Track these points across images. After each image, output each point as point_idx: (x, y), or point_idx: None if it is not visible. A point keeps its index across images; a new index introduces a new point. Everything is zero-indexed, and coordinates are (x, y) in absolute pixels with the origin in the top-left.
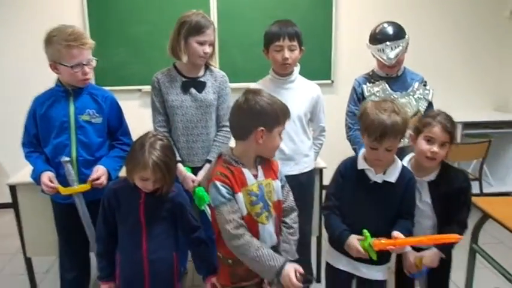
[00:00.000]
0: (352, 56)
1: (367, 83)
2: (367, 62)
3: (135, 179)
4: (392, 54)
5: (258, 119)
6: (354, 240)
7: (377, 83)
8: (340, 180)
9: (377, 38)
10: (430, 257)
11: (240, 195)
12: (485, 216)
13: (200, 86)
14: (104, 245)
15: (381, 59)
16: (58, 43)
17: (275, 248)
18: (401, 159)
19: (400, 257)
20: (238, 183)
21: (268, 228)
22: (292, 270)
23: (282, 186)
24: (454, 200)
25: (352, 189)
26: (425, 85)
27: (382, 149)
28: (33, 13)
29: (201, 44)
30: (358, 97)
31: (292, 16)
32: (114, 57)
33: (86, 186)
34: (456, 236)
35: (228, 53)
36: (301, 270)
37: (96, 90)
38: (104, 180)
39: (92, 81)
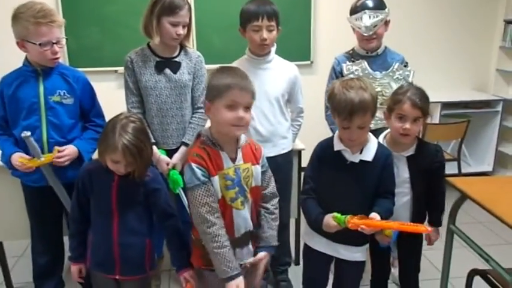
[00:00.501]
0: (332, 36)
1: (347, 62)
2: (347, 42)
3: (106, 161)
4: (369, 22)
5: (207, 93)
6: (329, 218)
7: (357, 62)
8: (316, 162)
9: (356, 8)
10: None
11: (215, 179)
12: (463, 197)
13: (175, 67)
14: (76, 225)
15: (357, 29)
16: (26, 20)
17: (251, 233)
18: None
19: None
20: (215, 166)
21: (243, 213)
22: (241, 284)
23: (263, 172)
24: (434, 175)
25: (330, 171)
26: (406, 65)
27: (354, 127)
28: None
29: (174, 25)
30: (337, 76)
31: None
32: (88, 38)
33: (51, 156)
34: (425, 228)
35: (204, 34)
36: None
37: (67, 70)
38: (65, 159)
39: (66, 62)
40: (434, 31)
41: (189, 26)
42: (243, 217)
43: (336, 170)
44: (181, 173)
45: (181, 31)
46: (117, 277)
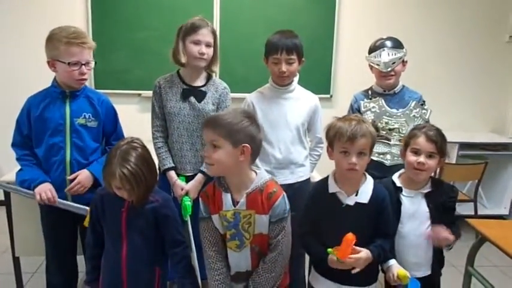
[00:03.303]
0: (352, 71)
1: (365, 99)
2: (367, 77)
3: (112, 186)
4: (387, 58)
5: None
6: (332, 256)
7: (374, 99)
8: (311, 206)
9: (375, 47)
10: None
11: (216, 217)
12: (482, 239)
13: (200, 96)
14: (90, 249)
15: (376, 66)
16: (58, 40)
17: (249, 273)
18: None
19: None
20: (215, 206)
21: (236, 255)
22: None
23: (273, 222)
24: (449, 210)
25: (325, 214)
26: (423, 104)
27: (354, 151)
28: (38, 16)
29: (196, 43)
30: (354, 113)
31: (294, 28)
32: (115, 62)
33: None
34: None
35: (228, 62)
36: None
37: (92, 94)
38: (78, 187)
39: (92, 85)
40: (453, 72)
41: (215, 50)
42: (237, 259)
43: (331, 213)
44: (195, 201)
45: (204, 50)
46: None
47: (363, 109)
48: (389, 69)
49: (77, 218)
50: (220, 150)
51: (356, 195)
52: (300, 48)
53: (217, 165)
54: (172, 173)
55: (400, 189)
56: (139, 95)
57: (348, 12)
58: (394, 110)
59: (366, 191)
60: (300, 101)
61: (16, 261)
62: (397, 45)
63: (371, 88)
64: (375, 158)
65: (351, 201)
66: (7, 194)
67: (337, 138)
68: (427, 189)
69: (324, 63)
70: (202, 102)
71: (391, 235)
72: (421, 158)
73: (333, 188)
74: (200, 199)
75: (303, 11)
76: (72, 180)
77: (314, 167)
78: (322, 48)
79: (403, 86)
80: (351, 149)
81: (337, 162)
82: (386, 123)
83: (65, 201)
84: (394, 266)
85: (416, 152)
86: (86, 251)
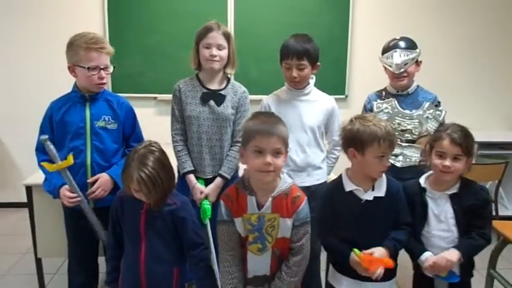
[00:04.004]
0: (367, 71)
1: (378, 100)
2: (382, 77)
3: (130, 189)
4: (399, 60)
5: (242, 139)
6: (354, 256)
7: (387, 100)
8: (329, 204)
9: (388, 47)
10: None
11: (238, 220)
12: (505, 242)
13: (219, 99)
14: (111, 251)
15: (388, 67)
16: (78, 46)
17: (266, 277)
18: (419, 177)
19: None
20: (239, 209)
21: (257, 259)
22: None
23: (296, 226)
24: (478, 214)
25: (344, 212)
26: (437, 105)
27: (388, 154)
28: (55, 22)
29: (207, 47)
30: (367, 113)
31: (308, 30)
32: (131, 66)
33: (68, 161)
34: (390, 262)
35: (243, 64)
36: None
37: (112, 97)
38: (99, 192)
39: (109, 89)
40: (471, 71)
41: (230, 54)
42: (257, 263)
43: (351, 210)
44: (214, 204)
45: (215, 52)
46: None
47: (375, 110)
48: (401, 70)
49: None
50: (282, 157)
51: (373, 190)
52: (312, 53)
53: (277, 171)
54: (192, 177)
55: (424, 190)
56: (155, 98)
57: (362, 13)
58: (408, 111)
59: (381, 185)
60: (316, 104)
61: (38, 262)
62: (410, 45)
63: (385, 89)
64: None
65: (369, 196)
66: (30, 196)
67: (376, 143)
68: (453, 191)
69: (339, 64)
70: (222, 105)
71: (409, 224)
72: (447, 162)
73: (349, 186)
74: (221, 202)
75: (317, 13)
76: (92, 183)
77: (331, 169)
78: (337, 49)
79: (417, 87)
80: (388, 153)
81: (369, 165)
82: (399, 124)
83: (91, 214)
84: (430, 257)
85: (441, 155)
86: (106, 252)
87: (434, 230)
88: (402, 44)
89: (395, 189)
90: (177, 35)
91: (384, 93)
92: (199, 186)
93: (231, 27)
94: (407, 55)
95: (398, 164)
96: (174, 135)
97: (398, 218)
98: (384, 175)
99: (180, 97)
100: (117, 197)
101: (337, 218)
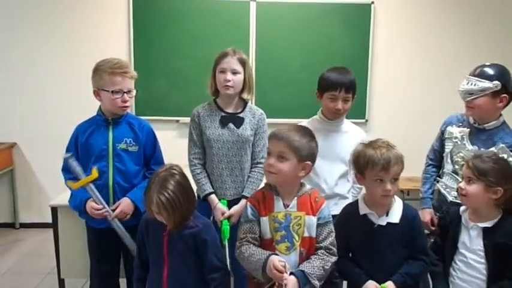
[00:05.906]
0: (387, 96)
1: (454, 125)
2: (401, 101)
3: (151, 211)
4: (463, 87)
5: None
6: (371, 285)
7: (462, 128)
8: (342, 228)
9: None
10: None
11: (265, 219)
12: None
13: (238, 122)
14: (137, 272)
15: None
16: (103, 70)
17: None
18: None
19: None
20: (266, 208)
21: (286, 259)
22: (276, 259)
23: (320, 225)
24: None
25: (357, 235)
26: None
27: (388, 179)
28: (82, 48)
29: (223, 71)
30: (439, 134)
31: (329, 54)
32: (155, 89)
33: (92, 176)
34: None
35: (263, 88)
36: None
37: (133, 120)
38: (122, 216)
39: (133, 112)
40: None
41: (246, 79)
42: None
43: (364, 234)
44: (235, 226)
45: (229, 77)
46: None
47: (446, 136)
48: (467, 99)
49: (121, 241)
50: (286, 162)
51: (387, 215)
52: (356, 86)
53: (279, 174)
54: (214, 197)
55: (459, 218)
56: (177, 121)
57: (382, 37)
58: (475, 148)
59: (396, 211)
60: (347, 135)
61: (61, 282)
62: (486, 75)
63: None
64: (442, 190)
65: (382, 221)
66: (55, 217)
67: (370, 167)
68: (487, 224)
69: (359, 88)
70: (241, 128)
71: (425, 253)
72: (461, 184)
73: (363, 209)
74: (248, 203)
75: (337, 37)
76: (114, 208)
77: (355, 199)
78: (357, 73)
79: (502, 124)
80: (385, 177)
81: (370, 189)
82: (462, 157)
83: (117, 223)
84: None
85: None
86: (134, 272)
87: (463, 261)
88: (478, 71)
89: (411, 216)
90: (201, 60)
91: (464, 117)
92: (220, 206)
93: (252, 52)
94: (475, 84)
95: (449, 198)
96: (192, 159)
97: (415, 245)
98: (400, 202)
99: (199, 122)
100: (142, 220)
101: (350, 240)
